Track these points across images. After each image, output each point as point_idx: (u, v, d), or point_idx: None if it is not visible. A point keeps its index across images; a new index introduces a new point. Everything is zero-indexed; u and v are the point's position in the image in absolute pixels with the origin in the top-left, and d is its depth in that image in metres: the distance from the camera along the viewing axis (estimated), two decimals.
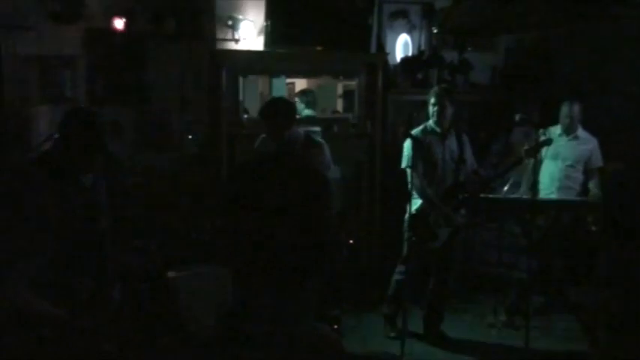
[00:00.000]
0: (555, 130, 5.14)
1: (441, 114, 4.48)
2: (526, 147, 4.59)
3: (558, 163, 5.08)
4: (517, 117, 4.52)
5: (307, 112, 6.20)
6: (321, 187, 1.02)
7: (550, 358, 4.45)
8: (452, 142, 4.55)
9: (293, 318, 1.02)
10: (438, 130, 4.53)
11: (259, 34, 5.67)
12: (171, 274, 4.17)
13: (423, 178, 4.45)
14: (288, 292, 1.03)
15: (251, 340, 1.01)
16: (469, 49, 6.41)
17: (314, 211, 1.00)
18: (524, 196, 4.66)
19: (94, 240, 2.76)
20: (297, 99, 6.35)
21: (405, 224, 4.51)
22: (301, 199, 0.99)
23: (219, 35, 5.62)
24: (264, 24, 5.61)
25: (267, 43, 5.60)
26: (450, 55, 6.37)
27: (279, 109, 4.11)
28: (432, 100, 4.52)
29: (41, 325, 2.36)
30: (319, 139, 4.45)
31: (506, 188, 4.97)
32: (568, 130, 5.09)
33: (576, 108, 5.06)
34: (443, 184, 4.51)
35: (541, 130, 4.80)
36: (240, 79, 5.66)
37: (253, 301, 1.03)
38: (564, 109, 5.09)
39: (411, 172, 4.34)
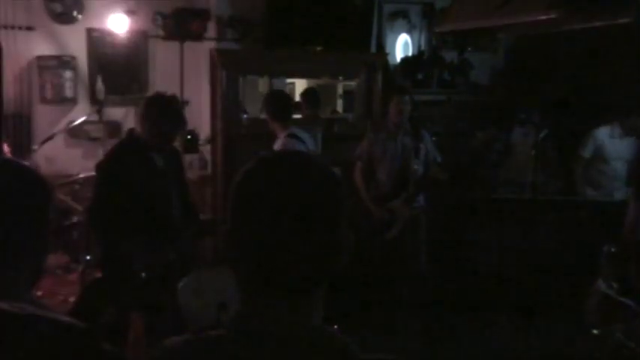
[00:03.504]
0: (605, 131, 5.10)
1: (398, 112, 4.68)
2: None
3: (620, 163, 5.09)
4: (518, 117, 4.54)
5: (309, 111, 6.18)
6: (333, 187, 1.01)
7: (551, 357, 4.45)
8: (405, 138, 4.71)
9: (303, 319, 1.01)
10: (392, 126, 4.75)
11: (259, 34, 5.66)
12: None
13: (362, 173, 4.83)
14: (300, 293, 1.02)
15: (261, 341, 1.00)
16: (469, 49, 6.41)
17: (325, 211, 0.99)
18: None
19: (167, 216, 3.22)
20: (299, 98, 6.35)
21: None
22: (312, 199, 0.98)
23: (219, 35, 5.62)
24: (264, 24, 5.60)
25: (267, 43, 5.59)
26: (450, 55, 6.37)
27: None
28: (393, 100, 4.74)
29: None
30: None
31: None
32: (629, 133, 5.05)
33: None
34: (393, 177, 4.74)
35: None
36: (240, 79, 5.66)
37: (262, 302, 1.02)
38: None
39: (358, 166, 4.82)
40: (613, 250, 1.71)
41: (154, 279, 3.07)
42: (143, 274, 3.02)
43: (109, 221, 3.07)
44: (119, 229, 3.04)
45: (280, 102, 4.48)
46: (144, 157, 3.18)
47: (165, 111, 3.18)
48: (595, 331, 1.79)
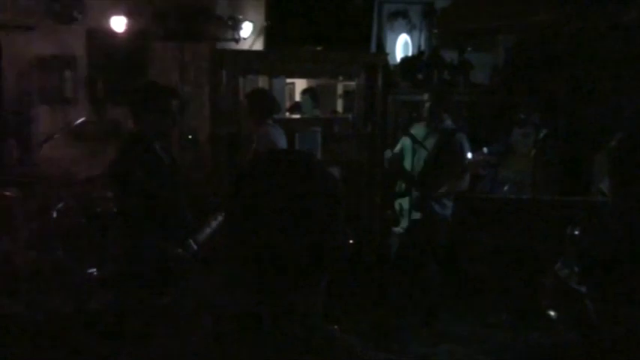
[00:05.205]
0: None
1: (432, 112, 4.58)
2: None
3: None
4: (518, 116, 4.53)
5: (313, 111, 6.20)
6: (330, 186, 1.01)
7: (551, 357, 4.45)
8: (436, 139, 4.58)
9: (302, 318, 1.02)
10: (426, 127, 4.64)
11: (259, 34, 5.66)
12: None
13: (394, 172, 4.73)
14: (298, 292, 1.03)
15: (262, 340, 1.00)
16: (469, 49, 6.41)
17: (322, 211, 0.99)
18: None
19: (177, 208, 3.22)
20: (301, 98, 6.36)
21: None
22: (310, 198, 0.98)
23: (219, 35, 5.62)
24: (264, 24, 5.60)
25: (267, 43, 5.59)
26: (450, 55, 6.37)
27: None
28: (426, 98, 4.65)
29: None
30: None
31: (506, 188, 4.96)
32: None
33: None
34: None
35: None
36: (240, 79, 5.66)
37: (262, 302, 1.03)
38: None
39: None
40: (576, 232, 1.70)
41: (167, 273, 3.10)
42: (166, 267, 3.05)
43: (133, 222, 3.09)
44: (143, 228, 3.07)
45: (265, 98, 4.79)
46: (152, 154, 3.21)
47: (157, 94, 3.20)
48: (552, 313, 1.77)
